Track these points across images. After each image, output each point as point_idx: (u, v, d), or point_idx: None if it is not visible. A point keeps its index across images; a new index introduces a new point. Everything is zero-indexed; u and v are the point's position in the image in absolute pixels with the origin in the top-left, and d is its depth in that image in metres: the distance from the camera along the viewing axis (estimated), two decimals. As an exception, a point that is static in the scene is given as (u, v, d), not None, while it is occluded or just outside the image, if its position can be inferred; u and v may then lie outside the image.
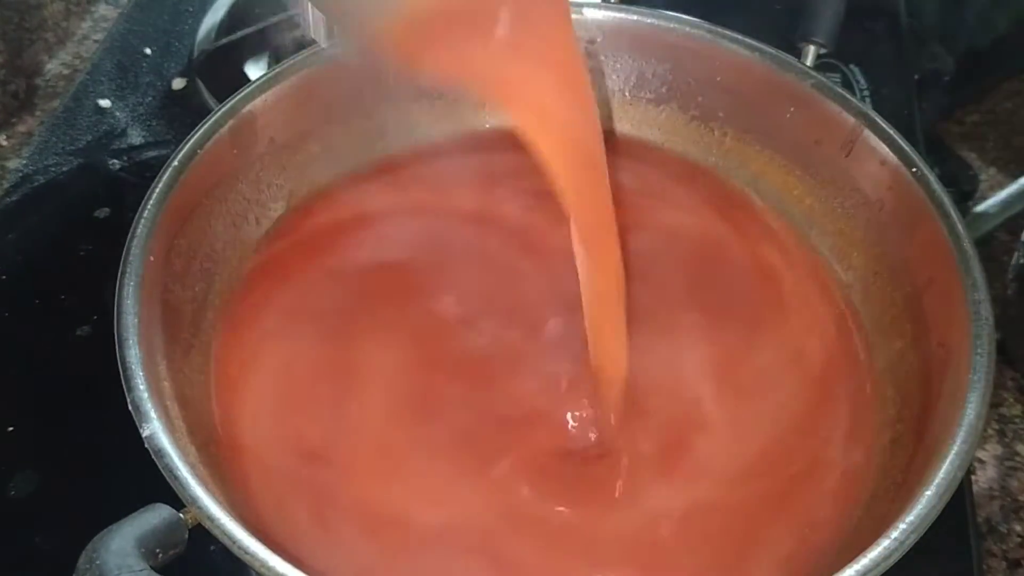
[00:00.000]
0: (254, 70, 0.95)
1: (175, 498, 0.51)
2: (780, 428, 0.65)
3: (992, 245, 0.90)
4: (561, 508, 0.60)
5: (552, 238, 0.73)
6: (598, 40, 0.82)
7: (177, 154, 0.67)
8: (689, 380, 0.68)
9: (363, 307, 0.71)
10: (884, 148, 0.71)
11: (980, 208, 0.84)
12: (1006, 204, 0.87)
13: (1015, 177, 1.01)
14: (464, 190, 0.80)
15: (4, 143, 1.00)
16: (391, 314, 0.71)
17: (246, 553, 0.49)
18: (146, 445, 0.52)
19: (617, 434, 0.64)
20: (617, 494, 0.62)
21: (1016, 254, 0.83)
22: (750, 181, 0.81)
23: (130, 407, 0.54)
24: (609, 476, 0.62)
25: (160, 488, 0.51)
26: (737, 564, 0.59)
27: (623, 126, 0.85)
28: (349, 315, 0.71)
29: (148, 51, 1.05)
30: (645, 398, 0.65)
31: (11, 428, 0.74)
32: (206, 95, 0.97)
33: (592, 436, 0.64)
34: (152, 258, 0.61)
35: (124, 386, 0.54)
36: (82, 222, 0.88)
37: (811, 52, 0.76)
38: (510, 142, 0.83)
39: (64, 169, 0.93)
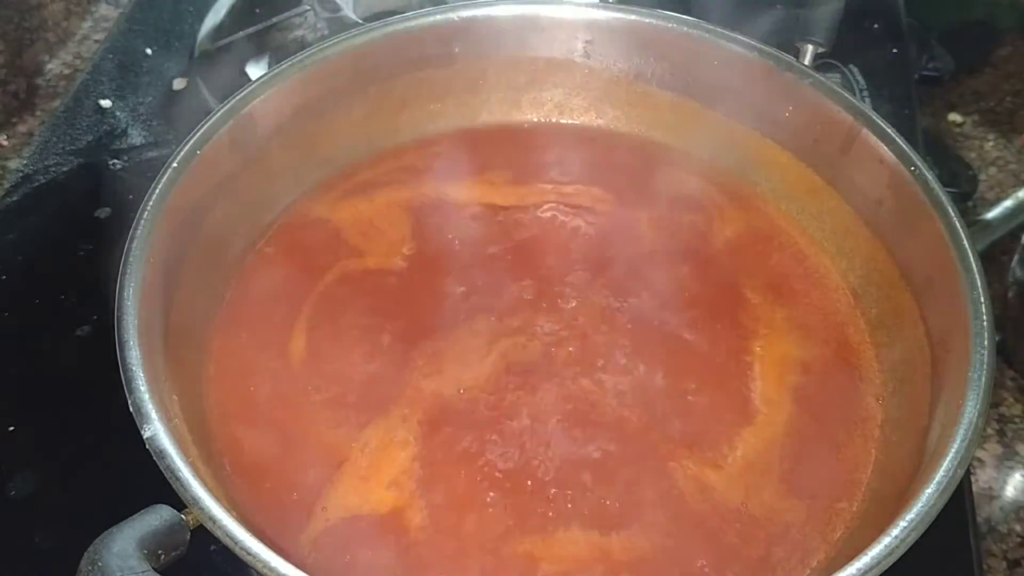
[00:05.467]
0: (254, 70, 0.95)
1: (176, 499, 0.51)
2: (780, 424, 0.66)
3: (992, 245, 0.90)
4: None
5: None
6: (596, 39, 0.82)
7: (177, 154, 0.67)
8: (689, 374, 0.68)
9: (361, 307, 0.71)
10: (883, 147, 0.71)
11: (984, 217, 0.84)
12: (1010, 215, 0.87)
13: (1015, 176, 1.01)
14: (462, 186, 0.80)
15: (5, 143, 1.00)
16: (388, 314, 0.71)
17: (248, 554, 0.49)
18: (147, 446, 0.52)
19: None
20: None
21: (1016, 256, 0.83)
22: (750, 178, 0.81)
23: (131, 408, 0.54)
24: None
25: (161, 489, 0.51)
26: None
27: (621, 123, 0.85)
28: (347, 315, 0.71)
29: (149, 51, 1.05)
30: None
31: (11, 428, 0.74)
32: (206, 95, 0.97)
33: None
34: (152, 259, 0.61)
35: (125, 388, 0.54)
36: (83, 222, 0.88)
37: (809, 51, 0.76)
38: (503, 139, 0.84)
39: (65, 169, 0.93)
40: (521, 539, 0.59)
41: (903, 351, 0.68)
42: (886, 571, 0.50)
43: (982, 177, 1.00)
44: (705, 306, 0.72)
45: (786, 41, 0.77)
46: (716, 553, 0.59)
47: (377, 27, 0.79)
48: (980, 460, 0.77)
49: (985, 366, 0.58)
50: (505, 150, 0.84)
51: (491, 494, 0.61)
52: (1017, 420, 0.80)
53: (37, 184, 0.92)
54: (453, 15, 0.80)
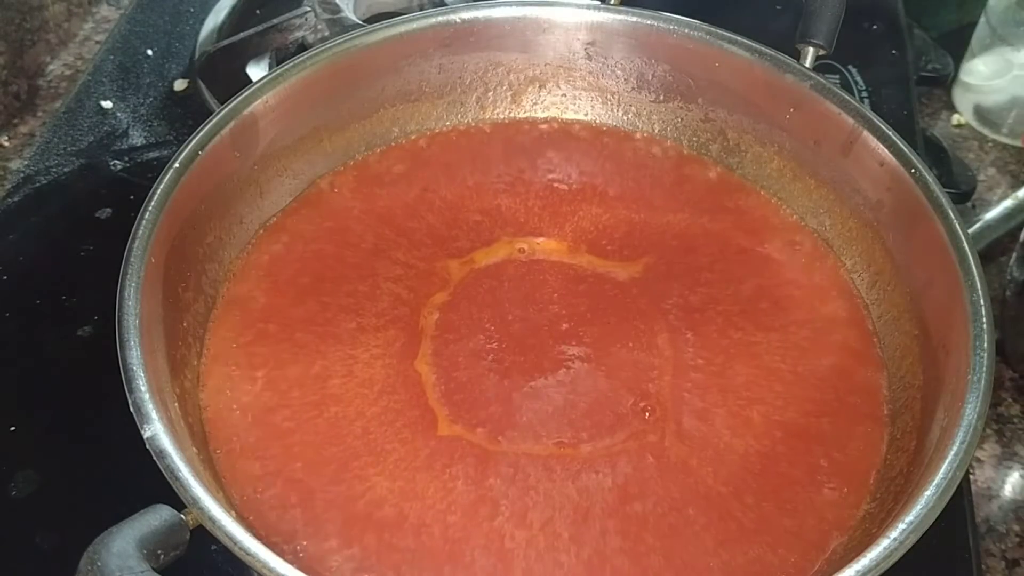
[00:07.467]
0: (256, 71, 0.95)
1: (176, 499, 0.51)
2: (782, 425, 0.66)
3: (991, 245, 0.90)
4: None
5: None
6: (597, 40, 0.82)
7: (178, 155, 0.67)
8: (695, 377, 0.68)
9: (362, 307, 0.71)
10: (883, 149, 0.71)
11: (984, 217, 0.84)
12: (1010, 215, 0.87)
13: (1014, 177, 1.01)
14: (462, 186, 0.80)
15: (6, 144, 1.00)
16: (388, 316, 0.71)
17: (247, 554, 0.49)
18: (147, 446, 0.52)
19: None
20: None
21: (1014, 255, 0.83)
22: (750, 179, 0.81)
23: (131, 408, 0.54)
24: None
25: (161, 489, 0.51)
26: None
27: (622, 125, 0.85)
28: (347, 317, 0.71)
29: (150, 52, 1.06)
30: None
31: (12, 428, 0.74)
32: (207, 96, 0.97)
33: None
34: (153, 259, 0.62)
35: (125, 387, 0.55)
36: (84, 223, 0.88)
37: (810, 54, 0.76)
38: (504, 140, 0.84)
39: (66, 170, 0.93)
40: None
41: (903, 352, 0.68)
42: (885, 572, 0.50)
43: (982, 177, 1.00)
44: (702, 308, 0.72)
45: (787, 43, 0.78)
46: (717, 558, 0.60)
47: (378, 28, 0.79)
48: (979, 460, 0.77)
49: (985, 369, 0.58)
50: (505, 151, 0.84)
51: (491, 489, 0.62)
52: (1016, 420, 0.80)
53: (38, 185, 0.92)
54: (454, 16, 0.80)
